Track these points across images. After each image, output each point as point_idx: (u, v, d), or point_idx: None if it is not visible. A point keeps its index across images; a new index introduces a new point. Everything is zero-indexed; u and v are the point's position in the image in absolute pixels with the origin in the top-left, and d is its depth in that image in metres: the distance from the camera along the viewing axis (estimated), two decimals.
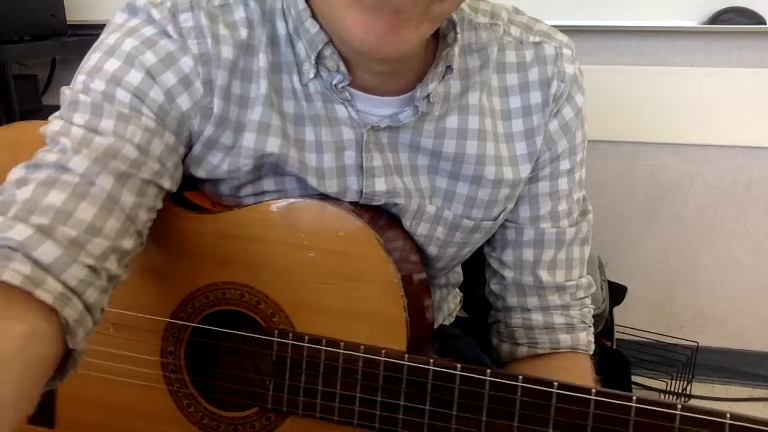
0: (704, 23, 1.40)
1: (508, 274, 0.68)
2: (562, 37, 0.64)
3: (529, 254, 0.66)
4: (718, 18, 1.39)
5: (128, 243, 0.50)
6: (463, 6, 0.60)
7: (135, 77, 0.52)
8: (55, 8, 1.47)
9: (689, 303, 1.65)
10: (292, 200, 0.58)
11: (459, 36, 0.58)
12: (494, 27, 0.62)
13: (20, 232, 0.43)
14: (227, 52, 0.54)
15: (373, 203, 0.60)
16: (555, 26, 0.65)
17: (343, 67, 0.55)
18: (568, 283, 0.68)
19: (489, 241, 0.69)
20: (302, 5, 0.54)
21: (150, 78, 0.52)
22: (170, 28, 0.53)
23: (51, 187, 0.46)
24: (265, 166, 0.58)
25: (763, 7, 1.37)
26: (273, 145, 0.56)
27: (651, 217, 1.61)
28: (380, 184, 0.59)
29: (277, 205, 0.58)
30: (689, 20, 1.41)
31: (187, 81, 0.53)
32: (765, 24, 1.37)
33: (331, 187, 0.58)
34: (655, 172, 1.57)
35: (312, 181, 0.57)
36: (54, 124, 0.51)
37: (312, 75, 0.56)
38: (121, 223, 0.49)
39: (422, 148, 0.60)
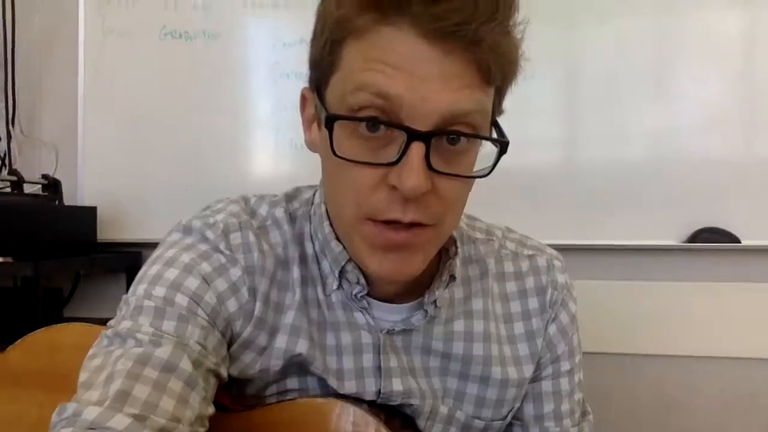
0: (684, 242, 1.52)
1: None
2: (552, 252, 0.73)
3: None
4: (696, 237, 1.50)
5: (200, 430, 0.54)
6: (462, 224, 0.71)
7: (193, 283, 0.59)
8: (88, 229, 1.61)
9: None
10: (311, 399, 0.61)
11: (459, 250, 0.66)
12: (490, 241, 0.71)
13: (120, 422, 0.48)
14: (270, 264, 0.63)
15: (390, 403, 0.64)
16: (549, 244, 0.75)
17: (362, 280, 0.62)
18: None
19: None
20: (328, 230, 0.63)
21: (205, 283, 0.59)
22: (222, 245, 0.62)
23: (136, 380, 0.51)
24: (292, 367, 0.63)
25: (735, 227, 1.49)
26: (302, 346, 0.62)
27: (658, 431, 1.58)
28: (397, 385, 0.63)
29: (296, 404, 0.61)
30: (670, 239, 1.52)
31: (235, 288, 0.61)
32: (740, 242, 1.49)
33: (350, 387, 0.63)
34: (656, 385, 1.57)
35: (333, 383, 0.62)
36: (123, 324, 0.57)
37: (335, 287, 0.63)
38: (195, 412, 0.53)
39: (433, 350, 0.66)
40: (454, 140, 0.52)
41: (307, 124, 0.62)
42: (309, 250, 0.65)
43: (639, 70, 1.52)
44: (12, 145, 1.81)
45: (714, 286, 1.54)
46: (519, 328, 0.69)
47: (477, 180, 0.56)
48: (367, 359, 0.63)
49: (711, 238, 1.49)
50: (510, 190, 1.55)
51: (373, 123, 0.51)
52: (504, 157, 0.55)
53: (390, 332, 0.64)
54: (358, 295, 0.63)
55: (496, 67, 0.51)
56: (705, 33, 1.50)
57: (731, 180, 1.49)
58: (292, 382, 0.63)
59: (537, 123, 1.56)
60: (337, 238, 0.62)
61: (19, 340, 0.70)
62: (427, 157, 0.50)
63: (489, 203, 1.59)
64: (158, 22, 1.72)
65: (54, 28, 1.83)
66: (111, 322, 0.59)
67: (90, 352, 0.56)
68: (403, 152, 0.50)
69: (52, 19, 1.84)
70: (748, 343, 1.53)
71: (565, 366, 0.70)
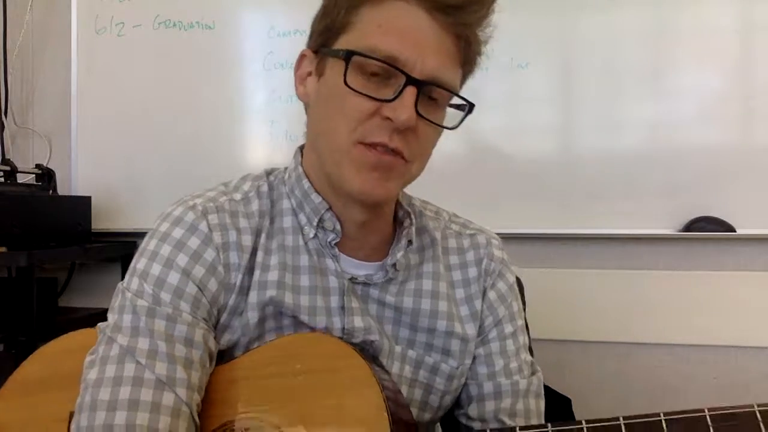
0: (679, 231, 1.52)
1: (476, 425, 0.77)
2: (492, 233, 0.85)
3: (490, 405, 0.77)
4: (692, 226, 1.51)
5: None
6: (415, 202, 0.83)
7: (174, 278, 0.66)
8: (82, 218, 1.60)
9: None
10: (283, 336, 0.69)
11: (413, 221, 0.78)
12: (438, 218, 0.84)
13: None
14: (247, 240, 0.71)
15: (354, 339, 0.72)
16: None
17: (338, 227, 0.73)
18: None
19: (457, 403, 0.80)
20: (307, 185, 0.74)
21: (185, 276, 0.67)
22: (202, 225, 0.69)
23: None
24: (268, 317, 0.70)
25: (731, 216, 1.50)
26: (270, 292, 0.70)
27: None
28: (358, 322, 0.73)
29: (269, 343, 0.68)
30: (666, 229, 1.53)
31: (212, 268, 0.69)
32: (735, 231, 1.49)
33: (320, 323, 0.72)
34: (652, 373, 1.59)
35: (304, 318, 0.71)
36: (125, 328, 0.65)
37: (312, 235, 0.73)
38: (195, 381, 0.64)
39: (387, 303, 0.76)
40: (434, 99, 0.66)
41: (300, 80, 0.74)
42: (286, 205, 0.75)
43: (635, 60, 1.53)
44: (5, 135, 1.80)
45: (709, 275, 1.55)
46: (460, 293, 0.80)
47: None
48: (334, 300, 0.73)
49: (706, 227, 1.50)
50: (506, 180, 1.56)
51: (383, 63, 0.64)
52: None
53: (353, 280, 0.74)
54: (332, 243, 0.73)
55: (469, 49, 0.67)
56: (701, 24, 1.50)
57: (726, 169, 1.50)
58: (270, 325, 0.71)
59: (534, 113, 1.56)
60: (317, 191, 0.73)
61: (33, 354, 0.76)
62: (416, 101, 0.63)
63: (486, 192, 1.61)
64: (152, 11, 1.71)
65: (47, 16, 1.82)
66: (111, 316, 0.67)
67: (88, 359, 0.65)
68: (399, 93, 0.63)
69: (45, 7, 1.83)
70: (743, 332, 1.54)
71: (508, 328, 0.80)
